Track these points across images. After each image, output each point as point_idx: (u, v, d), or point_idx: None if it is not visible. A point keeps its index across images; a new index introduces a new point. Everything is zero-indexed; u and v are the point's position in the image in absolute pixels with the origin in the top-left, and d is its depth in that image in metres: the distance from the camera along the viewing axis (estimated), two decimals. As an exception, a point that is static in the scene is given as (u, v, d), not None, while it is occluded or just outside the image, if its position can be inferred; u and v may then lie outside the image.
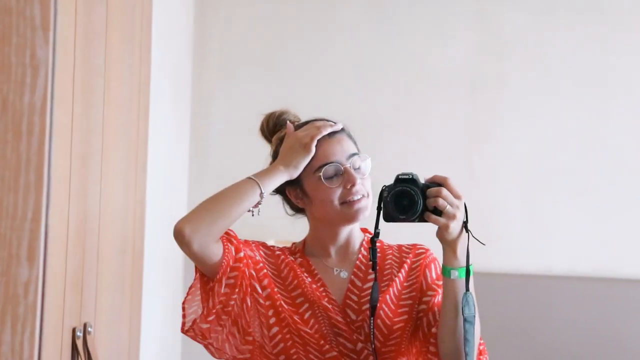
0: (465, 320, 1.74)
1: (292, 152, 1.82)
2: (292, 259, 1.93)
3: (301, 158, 1.82)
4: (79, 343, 2.19)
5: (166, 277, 3.63)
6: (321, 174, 1.83)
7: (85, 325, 2.21)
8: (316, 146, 1.84)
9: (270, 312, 1.84)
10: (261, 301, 1.85)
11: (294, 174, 1.83)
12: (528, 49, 3.75)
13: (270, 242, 2.10)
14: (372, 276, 1.86)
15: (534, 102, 3.73)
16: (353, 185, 1.83)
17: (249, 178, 1.81)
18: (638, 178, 3.67)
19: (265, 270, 1.88)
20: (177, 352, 3.77)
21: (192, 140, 3.86)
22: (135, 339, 2.62)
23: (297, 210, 1.96)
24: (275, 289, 1.87)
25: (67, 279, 1.98)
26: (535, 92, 3.74)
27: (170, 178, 3.67)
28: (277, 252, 1.95)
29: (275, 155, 1.93)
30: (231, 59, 3.86)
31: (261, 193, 1.80)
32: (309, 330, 1.83)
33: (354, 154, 1.86)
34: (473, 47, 3.77)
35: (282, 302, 1.85)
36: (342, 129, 1.90)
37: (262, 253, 1.93)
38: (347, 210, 1.84)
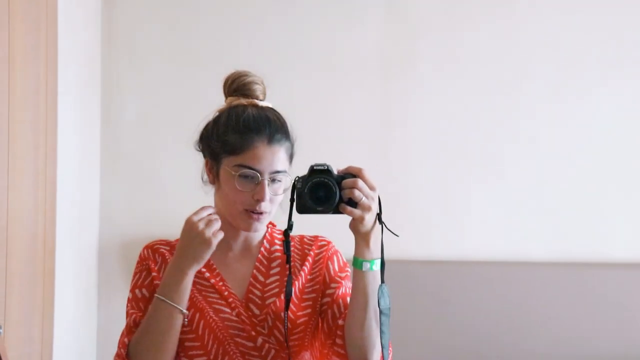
0: (381, 312, 1.74)
1: (193, 248, 1.75)
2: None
3: (204, 253, 1.75)
4: (-11, 344, 2.11)
5: (79, 276, 3.52)
6: (238, 173, 1.78)
7: (-6, 326, 2.14)
8: (252, 141, 1.78)
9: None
10: None
11: (201, 264, 1.77)
12: (438, 33, 3.77)
13: None
14: (275, 270, 1.86)
15: (445, 86, 3.75)
16: (260, 200, 1.78)
17: (161, 300, 1.75)
18: (547, 162, 3.74)
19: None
20: (92, 351, 3.67)
21: (103, 132, 3.74)
22: (47, 338, 2.55)
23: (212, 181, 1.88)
24: None
25: (-26, 277, 1.91)
26: (446, 77, 3.76)
27: (81, 171, 3.55)
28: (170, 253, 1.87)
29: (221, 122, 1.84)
30: (141, 46, 3.76)
31: (181, 312, 1.76)
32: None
33: (278, 172, 1.80)
34: (382, 32, 3.77)
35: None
36: (288, 138, 1.83)
37: (160, 262, 1.86)
38: (244, 218, 1.80)
